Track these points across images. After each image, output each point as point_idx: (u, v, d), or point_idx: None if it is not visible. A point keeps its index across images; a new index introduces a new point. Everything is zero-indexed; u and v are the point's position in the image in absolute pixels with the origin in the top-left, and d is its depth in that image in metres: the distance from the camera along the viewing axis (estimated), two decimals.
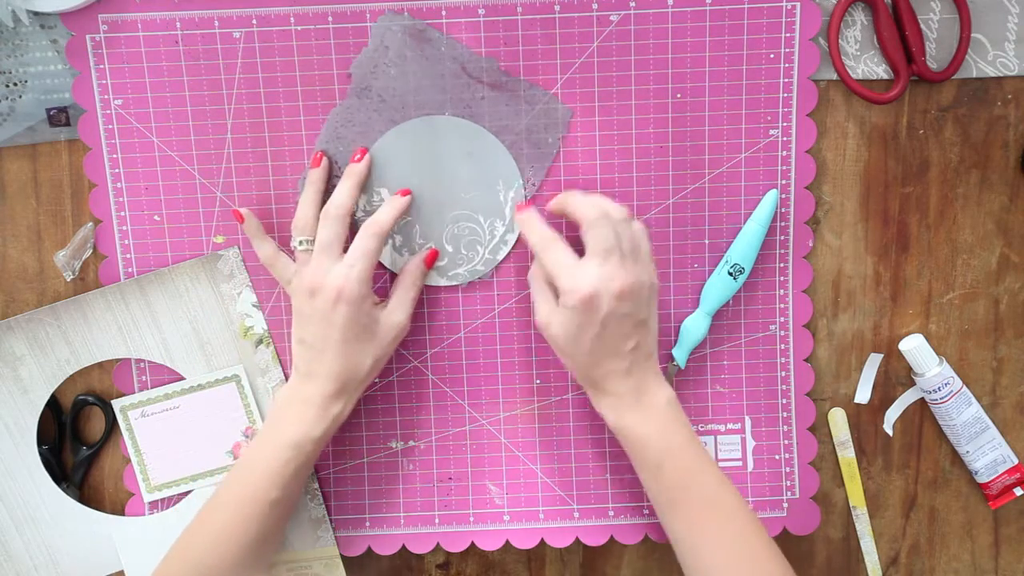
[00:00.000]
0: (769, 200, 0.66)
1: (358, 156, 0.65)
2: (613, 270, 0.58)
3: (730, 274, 0.66)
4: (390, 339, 0.63)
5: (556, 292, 0.61)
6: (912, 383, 0.70)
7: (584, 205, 0.61)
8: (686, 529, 0.60)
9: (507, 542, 0.71)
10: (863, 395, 0.70)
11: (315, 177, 0.65)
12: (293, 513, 0.69)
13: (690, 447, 0.60)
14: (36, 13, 0.65)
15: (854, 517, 0.72)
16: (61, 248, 0.68)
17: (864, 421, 0.71)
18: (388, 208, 0.64)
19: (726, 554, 0.59)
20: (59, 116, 0.67)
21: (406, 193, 0.66)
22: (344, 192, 0.63)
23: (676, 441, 0.60)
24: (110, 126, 0.66)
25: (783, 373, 0.70)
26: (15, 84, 0.66)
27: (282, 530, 0.65)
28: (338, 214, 0.62)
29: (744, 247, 0.66)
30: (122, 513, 0.70)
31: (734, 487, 0.61)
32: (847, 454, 0.71)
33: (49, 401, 0.68)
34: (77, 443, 0.70)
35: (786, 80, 0.66)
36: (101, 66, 0.66)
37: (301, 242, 0.63)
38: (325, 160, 0.65)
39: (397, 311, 0.64)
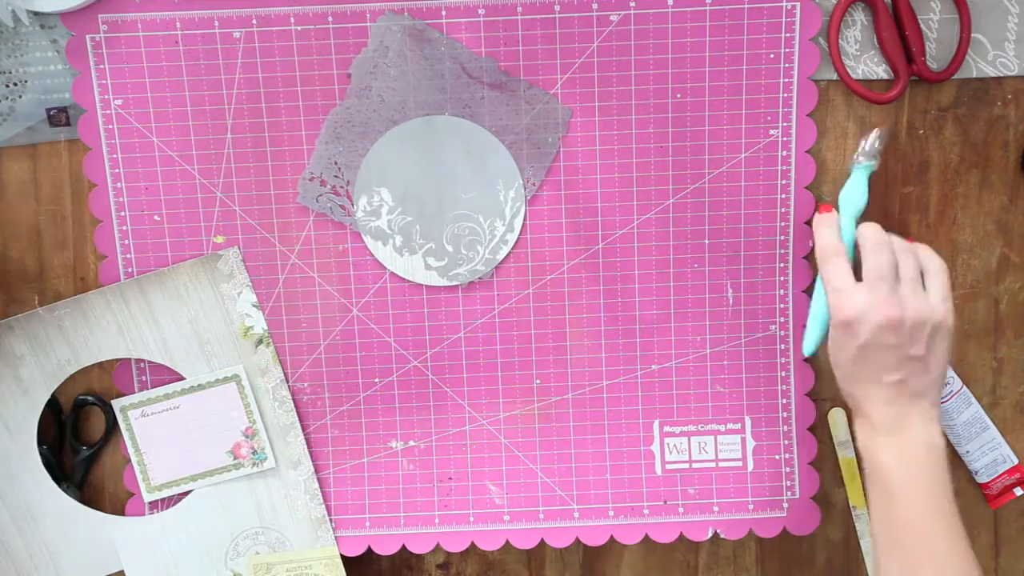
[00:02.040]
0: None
1: None
2: (880, 299, 0.57)
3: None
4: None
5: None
6: None
7: (866, 228, 0.60)
8: (895, 572, 0.57)
9: (507, 542, 0.71)
10: None
11: None
12: (292, 512, 0.69)
13: (936, 494, 0.57)
14: (36, 13, 0.65)
15: (854, 517, 0.72)
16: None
17: None
18: None
19: None
20: (59, 116, 0.67)
21: None
22: None
23: (922, 480, 0.57)
24: (110, 126, 0.66)
25: (783, 373, 0.69)
26: (15, 84, 0.66)
27: None
28: None
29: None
30: (122, 513, 0.70)
31: (972, 555, 0.56)
32: (847, 454, 0.71)
33: (49, 401, 0.68)
34: (77, 443, 0.70)
35: (786, 80, 0.66)
36: (101, 66, 0.66)
37: None
38: None
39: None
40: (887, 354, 0.57)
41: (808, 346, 0.64)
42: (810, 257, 0.68)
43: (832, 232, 0.61)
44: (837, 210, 0.64)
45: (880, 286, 0.57)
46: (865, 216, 0.68)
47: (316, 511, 0.70)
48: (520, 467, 0.70)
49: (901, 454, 0.57)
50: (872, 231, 0.60)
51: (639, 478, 0.70)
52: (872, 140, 0.64)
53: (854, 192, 0.64)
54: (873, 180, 0.68)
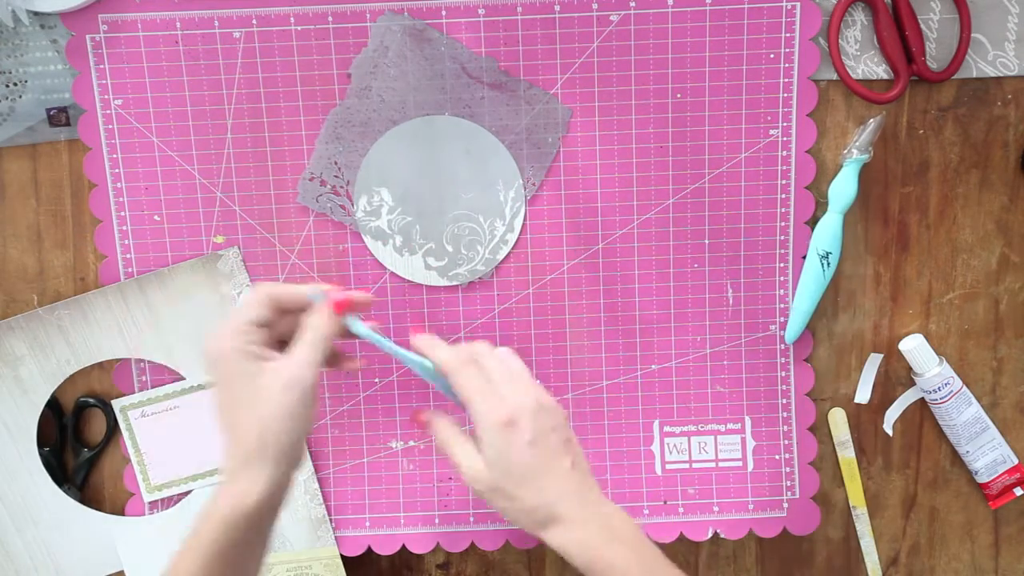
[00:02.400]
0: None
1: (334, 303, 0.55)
2: (522, 388, 0.54)
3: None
4: (278, 401, 0.51)
5: (475, 445, 0.54)
6: (912, 383, 0.70)
7: (442, 353, 0.55)
8: None
9: (507, 542, 0.71)
10: (863, 395, 0.70)
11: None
12: (292, 512, 0.69)
13: (666, 566, 0.53)
14: (36, 13, 0.65)
15: (854, 517, 0.72)
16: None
17: (864, 421, 0.71)
18: (294, 287, 0.54)
19: None
20: (59, 116, 0.67)
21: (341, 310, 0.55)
22: (289, 286, 0.55)
23: (653, 562, 0.53)
24: (110, 126, 0.66)
25: (783, 373, 0.70)
26: (15, 84, 0.66)
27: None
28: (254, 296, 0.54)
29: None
30: (122, 513, 0.70)
31: None
32: (847, 454, 0.71)
33: (50, 402, 0.68)
34: (78, 445, 0.70)
35: (786, 80, 0.66)
36: (101, 66, 0.66)
37: None
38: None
39: (286, 370, 0.52)
40: (554, 438, 0.53)
41: (789, 334, 0.68)
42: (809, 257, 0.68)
43: (444, 349, 0.56)
44: (827, 204, 0.66)
45: (513, 380, 0.54)
46: (864, 216, 0.68)
47: (316, 511, 0.70)
48: None
49: (616, 534, 0.52)
50: (473, 347, 0.56)
51: (639, 478, 0.70)
52: (864, 134, 0.65)
53: (845, 186, 0.65)
54: (873, 180, 0.68)
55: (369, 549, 0.71)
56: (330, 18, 0.65)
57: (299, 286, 0.54)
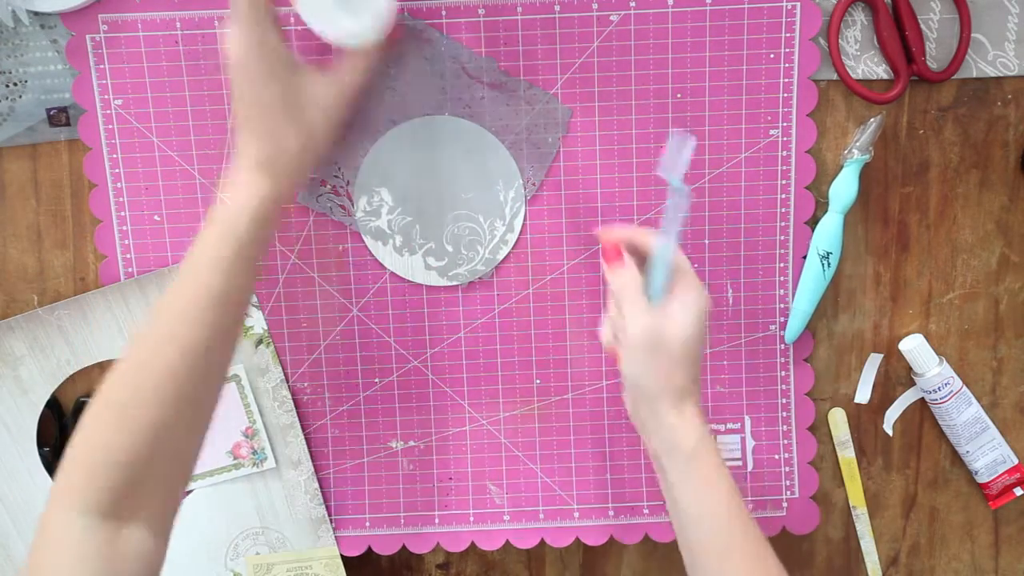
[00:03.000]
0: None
1: None
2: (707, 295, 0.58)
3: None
4: (323, 115, 0.54)
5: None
6: (912, 383, 0.70)
7: (642, 234, 0.59)
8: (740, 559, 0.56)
9: (507, 542, 0.71)
10: (863, 395, 0.70)
11: None
12: (292, 512, 0.69)
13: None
14: (36, 13, 0.65)
15: (854, 517, 0.72)
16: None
17: (864, 421, 0.71)
18: None
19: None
20: (59, 116, 0.67)
21: None
22: None
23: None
24: (110, 126, 0.66)
25: (783, 373, 0.70)
26: (15, 84, 0.66)
27: (238, 329, 0.57)
28: None
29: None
30: None
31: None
32: (847, 454, 0.71)
33: (50, 402, 0.68)
34: None
35: (786, 80, 0.66)
36: (101, 66, 0.66)
37: None
38: None
39: (330, 83, 0.54)
40: (704, 344, 0.59)
41: (789, 334, 0.68)
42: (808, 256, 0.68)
43: (625, 269, 0.58)
44: (828, 204, 0.67)
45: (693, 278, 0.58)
46: (864, 216, 0.68)
47: (316, 511, 0.70)
48: (520, 467, 0.70)
49: (706, 436, 0.57)
50: (649, 236, 0.59)
51: (639, 478, 0.70)
52: (865, 134, 0.65)
53: (845, 186, 0.65)
54: (873, 180, 0.68)
55: (369, 549, 0.71)
56: None
57: None
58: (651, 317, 0.56)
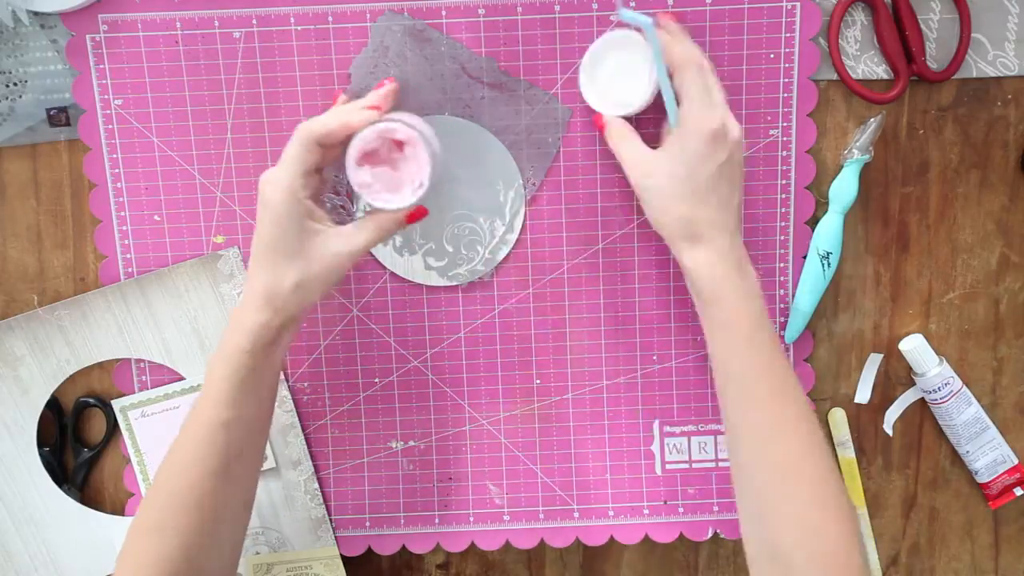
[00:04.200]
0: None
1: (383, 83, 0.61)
2: (730, 116, 0.57)
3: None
4: (324, 266, 0.57)
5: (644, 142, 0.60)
6: (912, 383, 0.70)
7: (681, 52, 0.58)
8: (760, 413, 0.56)
9: (507, 542, 0.71)
10: (863, 395, 0.70)
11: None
12: (292, 512, 0.69)
13: (774, 331, 0.58)
14: (36, 13, 0.65)
15: None
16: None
17: (864, 421, 0.71)
18: (327, 115, 0.58)
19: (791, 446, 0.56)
20: (59, 116, 0.67)
21: (377, 108, 0.58)
22: (327, 116, 0.58)
23: (766, 320, 0.57)
24: (110, 126, 0.66)
25: None
26: (15, 84, 0.66)
27: (256, 451, 0.60)
28: (306, 134, 0.57)
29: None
30: (122, 513, 0.70)
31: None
32: (847, 454, 0.71)
33: (50, 402, 0.68)
34: (78, 445, 0.70)
35: (786, 80, 0.66)
36: (101, 66, 0.66)
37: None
38: (343, 96, 0.62)
39: (341, 240, 0.58)
40: (736, 172, 0.57)
41: (789, 334, 0.68)
42: (808, 256, 0.68)
43: (684, 44, 0.59)
44: (828, 204, 0.67)
45: (722, 106, 0.57)
46: (865, 216, 0.68)
47: (316, 511, 0.70)
48: (520, 467, 0.70)
49: (751, 291, 0.57)
50: (684, 49, 0.58)
51: (639, 478, 0.70)
52: (865, 134, 0.65)
53: (845, 186, 0.66)
54: (873, 180, 0.68)
55: (369, 549, 0.71)
56: (330, 18, 0.65)
57: (344, 115, 0.57)
58: (640, 154, 0.58)
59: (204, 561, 0.56)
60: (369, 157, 0.57)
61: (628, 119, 0.63)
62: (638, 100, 0.61)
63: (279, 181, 0.56)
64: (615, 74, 0.62)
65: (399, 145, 0.57)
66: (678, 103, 0.58)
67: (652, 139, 0.62)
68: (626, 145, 0.60)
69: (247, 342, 0.57)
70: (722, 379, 0.58)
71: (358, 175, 0.57)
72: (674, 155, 0.57)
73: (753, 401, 0.57)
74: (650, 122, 0.65)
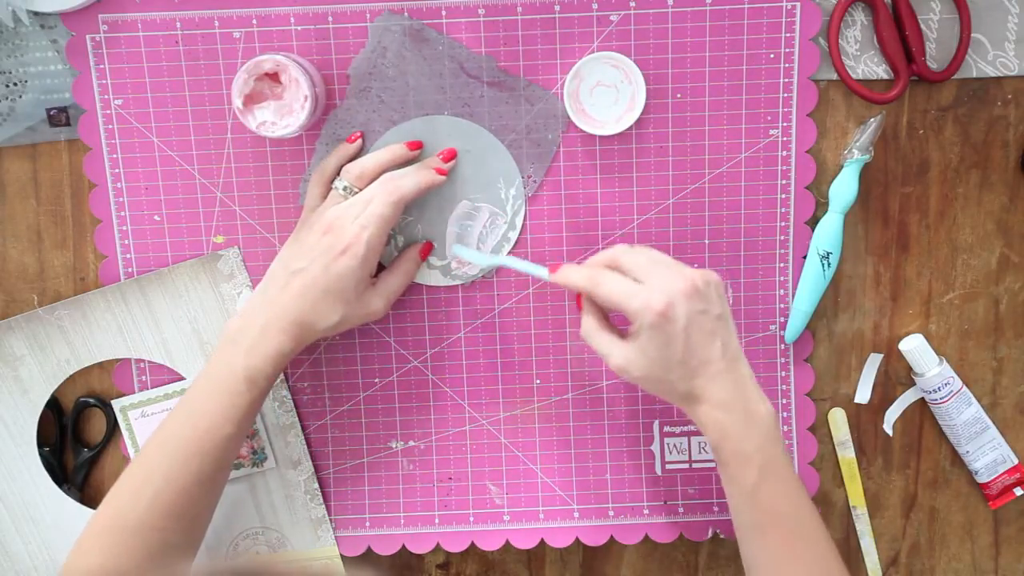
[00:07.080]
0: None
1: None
2: (671, 275, 0.56)
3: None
4: (361, 315, 0.62)
5: (617, 333, 0.59)
6: (912, 383, 0.70)
7: (601, 256, 0.60)
8: (770, 558, 0.57)
9: (507, 542, 0.71)
10: (863, 395, 0.70)
11: (395, 146, 0.65)
12: (292, 512, 0.69)
13: (787, 470, 0.57)
14: (36, 13, 0.65)
15: (854, 517, 0.72)
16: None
17: (864, 421, 0.71)
18: (412, 177, 0.62)
19: None
20: (59, 116, 0.67)
21: (443, 172, 0.64)
22: (412, 180, 0.62)
23: (776, 464, 0.57)
24: (110, 126, 0.66)
25: (783, 373, 0.69)
26: (15, 84, 0.66)
27: (229, 466, 0.62)
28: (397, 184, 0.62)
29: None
30: None
31: (819, 515, 0.59)
32: (847, 454, 0.71)
33: (50, 402, 0.68)
34: (78, 445, 0.70)
35: (786, 80, 0.66)
36: (101, 66, 0.66)
37: (346, 187, 0.62)
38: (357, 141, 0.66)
39: (378, 298, 0.63)
40: (704, 321, 0.56)
41: (789, 334, 0.68)
42: (808, 256, 0.68)
43: (577, 268, 0.60)
44: (828, 204, 0.67)
45: (659, 267, 0.57)
46: (864, 216, 0.68)
47: (316, 511, 0.70)
48: (520, 467, 0.70)
49: (756, 438, 0.56)
50: (606, 254, 0.60)
51: (639, 478, 0.70)
52: (865, 134, 0.65)
53: (845, 186, 0.66)
54: (873, 180, 0.68)
55: (369, 549, 0.71)
56: (330, 18, 0.65)
57: (427, 177, 0.63)
58: (611, 348, 0.58)
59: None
60: (253, 98, 0.62)
61: (609, 136, 0.65)
62: (613, 121, 0.65)
63: (371, 240, 0.59)
64: (595, 93, 0.65)
65: (274, 77, 0.62)
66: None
67: (644, 154, 0.62)
68: (598, 339, 0.59)
69: (270, 367, 0.60)
70: (735, 525, 0.59)
71: (255, 119, 0.62)
72: (642, 345, 0.56)
73: (764, 548, 0.58)
74: (626, 152, 0.65)
